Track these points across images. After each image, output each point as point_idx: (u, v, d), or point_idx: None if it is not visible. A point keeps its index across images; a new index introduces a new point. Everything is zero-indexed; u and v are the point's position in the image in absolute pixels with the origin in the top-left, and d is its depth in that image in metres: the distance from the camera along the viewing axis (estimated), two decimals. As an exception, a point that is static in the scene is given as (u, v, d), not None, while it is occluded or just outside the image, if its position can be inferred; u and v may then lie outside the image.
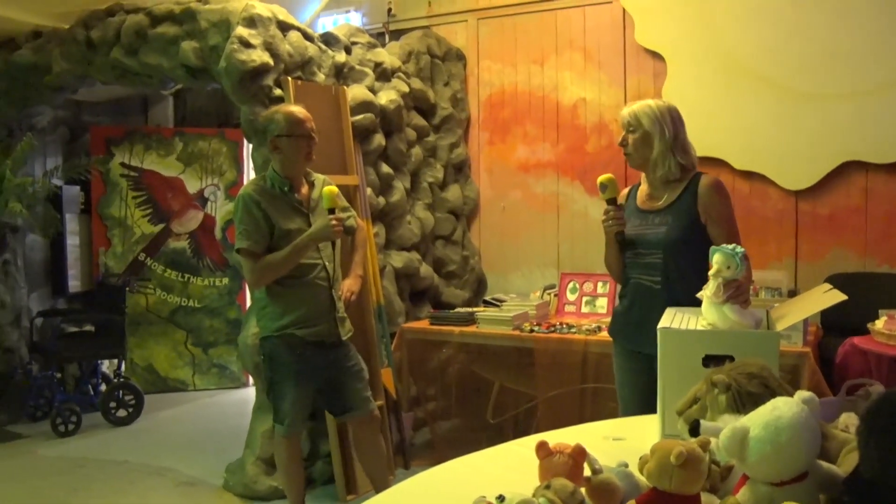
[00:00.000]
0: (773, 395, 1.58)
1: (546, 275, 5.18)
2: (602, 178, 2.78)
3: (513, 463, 1.78)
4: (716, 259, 2.09)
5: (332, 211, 3.15)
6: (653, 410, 2.88)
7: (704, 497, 1.32)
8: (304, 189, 3.33)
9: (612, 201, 2.80)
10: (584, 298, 4.62)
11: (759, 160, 4.51)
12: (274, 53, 3.96)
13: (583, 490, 1.34)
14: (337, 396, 3.42)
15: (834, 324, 4.21)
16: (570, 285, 4.71)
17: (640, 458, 1.36)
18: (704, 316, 2.11)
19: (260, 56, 3.87)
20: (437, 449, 4.51)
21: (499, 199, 5.41)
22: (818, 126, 4.37)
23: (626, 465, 1.51)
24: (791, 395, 1.39)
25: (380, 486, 3.53)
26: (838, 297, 2.15)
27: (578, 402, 3.91)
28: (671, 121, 2.79)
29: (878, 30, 4.23)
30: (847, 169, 4.35)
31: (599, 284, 4.61)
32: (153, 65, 4.35)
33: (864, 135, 4.28)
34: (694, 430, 1.48)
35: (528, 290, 5.11)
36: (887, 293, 4.04)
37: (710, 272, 2.09)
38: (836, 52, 4.31)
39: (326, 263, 3.30)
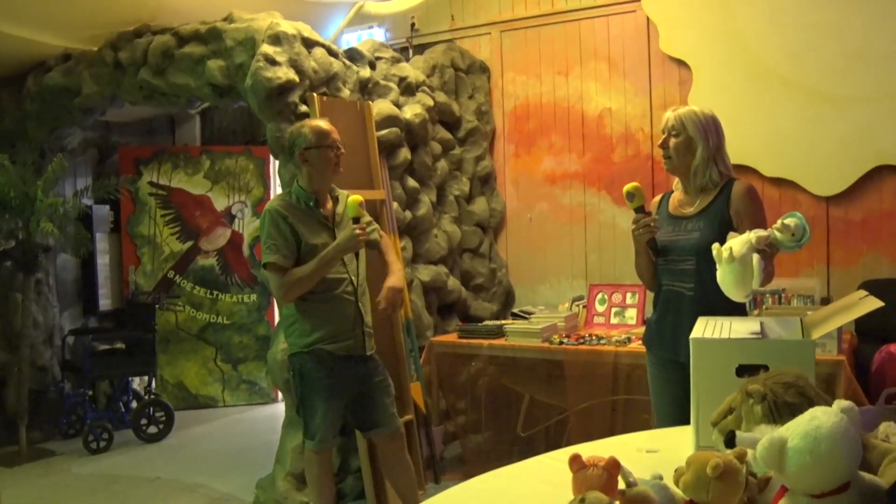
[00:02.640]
0: (811, 404, 1.55)
1: (574, 286, 5.14)
2: (628, 187, 2.76)
3: (545, 476, 1.76)
4: (793, 221, 2.08)
5: (356, 220, 3.15)
6: (688, 421, 2.85)
7: (743, 509, 1.30)
8: (329, 204, 3.34)
9: (640, 209, 2.78)
10: (614, 309, 4.58)
11: (789, 166, 4.46)
12: (299, 70, 3.98)
13: (617, 503, 1.32)
14: (364, 412, 3.41)
15: (868, 331, 4.14)
16: (599, 296, 4.67)
17: (676, 471, 1.35)
18: (729, 243, 2.13)
19: (285, 73, 3.89)
20: (468, 463, 4.49)
21: (525, 211, 5.39)
22: (848, 130, 4.31)
23: (661, 478, 1.48)
24: (829, 404, 1.35)
25: (410, 502, 3.52)
26: (875, 303, 2.11)
27: (609, 414, 3.87)
28: (715, 129, 2.79)
29: (907, 32, 4.17)
30: (879, 173, 4.28)
31: (628, 295, 4.57)
32: (180, 84, 4.40)
33: (895, 138, 4.21)
34: (730, 441, 1.46)
35: (557, 301, 5.08)
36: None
37: (777, 224, 2.10)
38: (865, 54, 4.26)
39: (353, 277, 3.31)
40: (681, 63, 4.78)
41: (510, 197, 5.45)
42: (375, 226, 3.48)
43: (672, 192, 2.96)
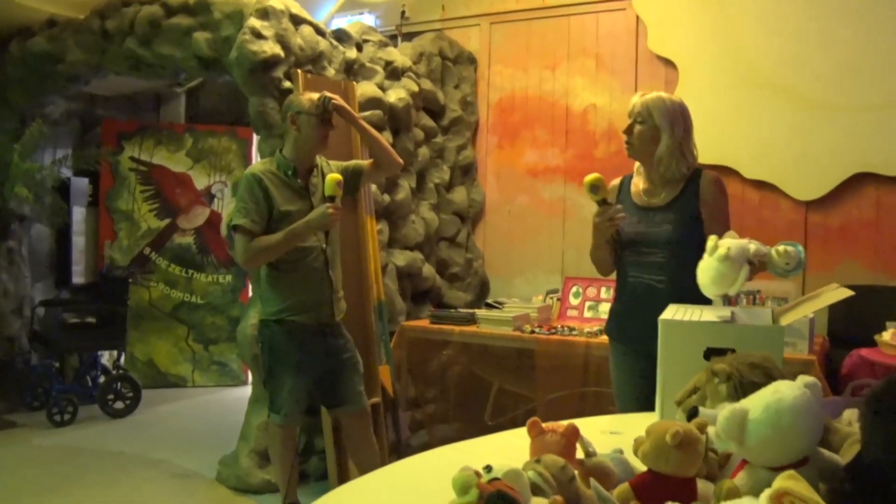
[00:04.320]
0: None
1: (550, 280, 5.13)
2: (590, 178, 2.64)
3: (505, 450, 1.75)
4: (794, 250, 2.12)
5: (332, 199, 3.14)
6: (650, 410, 2.84)
7: (701, 484, 1.28)
8: (312, 175, 3.34)
9: (603, 202, 2.68)
10: (588, 303, 4.58)
11: (770, 169, 4.47)
12: (285, 46, 3.96)
13: (576, 472, 1.30)
14: (332, 388, 3.40)
15: (841, 336, 4.17)
16: (574, 290, 4.67)
17: (635, 440, 1.33)
18: (728, 241, 2.11)
19: (271, 48, 3.87)
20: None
21: (505, 203, 5.38)
22: (832, 137, 4.33)
23: (622, 452, 1.48)
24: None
25: None
26: (845, 293, 2.11)
27: (578, 405, 3.86)
28: (682, 118, 2.73)
29: (893, 43, 4.19)
30: (859, 181, 4.31)
31: (603, 289, 4.57)
32: (166, 55, 4.35)
33: (878, 147, 4.24)
34: (692, 417, 1.45)
35: (532, 295, 5.07)
36: (895, 306, 3.99)
37: (779, 247, 2.11)
38: (854, 63, 4.28)
39: (324, 247, 3.30)
40: (668, 63, 4.78)
41: (490, 188, 5.44)
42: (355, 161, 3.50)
43: (631, 176, 2.90)
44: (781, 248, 2.10)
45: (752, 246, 2.09)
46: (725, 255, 2.06)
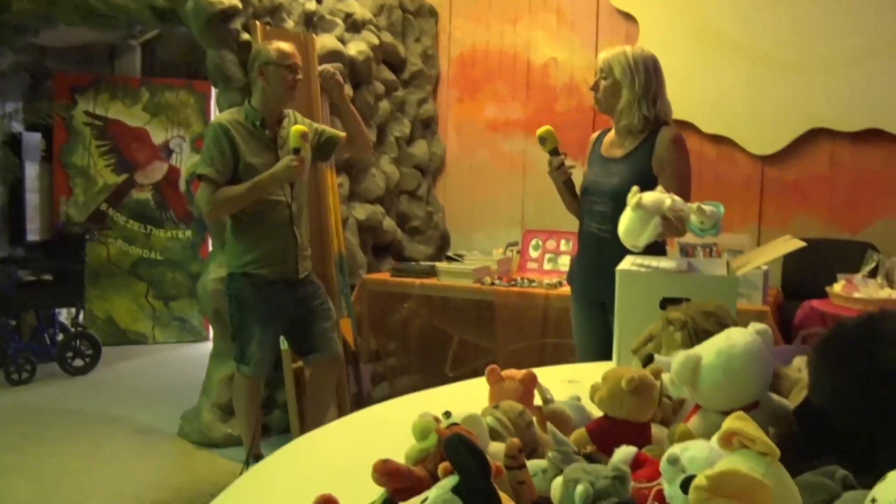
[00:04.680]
0: None
1: (511, 234, 5.15)
2: (540, 131, 2.82)
3: (465, 398, 1.76)
4: (710, 209, 2.07)
5: (297, 151, 3.12)
6: (609, 358, 2.89)
7: (655, 429, 1.31)
8: (279, 126, 3.32)
9: (553, 151, 2.83)
10: (547, 255, 4.61)
11: (728, 125, 4.52)
12: (243, -3, 3.87)
13: (534, 418, 1.32)
14: (302, 336, 3.42)
15: (794, 288, 4.27)
16: (534, 242, 4.70)
17: (592, 387, 1.35)
18: (637, 199, 2.09)
19: (229, -1, 3.78)
20: (397, 403, 4.49)
21: (466, 157, 5.37)
22: (788, 93, 4.38)
23: (579, 399, 1.50)
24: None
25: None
26: (797, 244, 2.16)
27: (538, 356, 3.91)
28: (644, 71, 2.75)
29: (850, 0, 4.24)
30: (814, 136, 4.37)
31: (563, 242, 4.60)
32: (119, 6, 4.22)
33: (832, 103, 4.30)
34: (648, 364, 1.47)
35: (492, 248, 5.09)
36: (846, 259, 4.08)
37: (694, 205, 2.08)
38: (809, 20, 4.32)
39: (290, 201, 3.28)
40: (628, 17, 4.78)
41: (451, 142, 5.42)
42: (326, 129, 3.53)
43: (608, 130, 2.97)
44: (696, 205, 2.08)
45: (669, 200, 2.09)
46: (637, 204, 2.08)
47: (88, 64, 6.73)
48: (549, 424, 1.22)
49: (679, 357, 1.27)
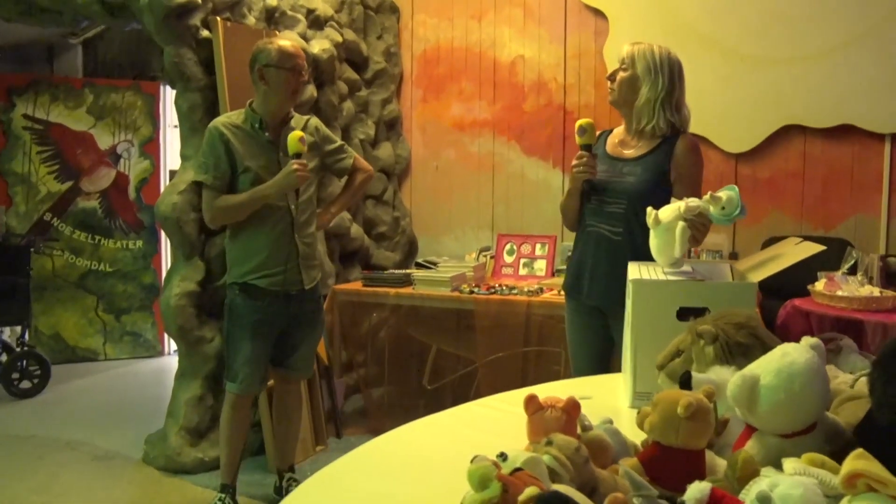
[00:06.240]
0: (763, 345, 1.48)
1: (480, 237, 5.04)
2: (582, 121, 2.65)
3: (477, 423, 1.68)
4: (724, 193, 1.99)
5: (297, 156, 2.99)
6: (606, 370, 2.78)
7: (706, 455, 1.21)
8: (285, 127, 3.16)
9: (586, 147, 2.67)
10: (522, 260, 4.49)
11: (701, 122, 4.41)
12: (202, -10, 3.67)
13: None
14: (283, 350, 3.27)
15: (770, 287, 4.20)
16: (508, 247, 4.58)
17: (640, 412, 1.25)
18: (654, 216, 2.03)
19: (186, -8, 3.57)
20: (371, 417, 4.34)
21: (432, 159, 5.22)
22: (760, 89, 4.34)
23: (611, 422, 1.40)
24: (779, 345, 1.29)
25: (290, 454, 3.45)
26: (815, 248, 2.08)
27: (521, 365, 3.79)
28: (668, 73, 2.67)
29: (821, -6, 4.22)
30: (787, 133, 4.33)
31: (538, 246, 4.49)
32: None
33: (804, 99, 4.27)
34: (685, 382, 1.39)
35: (462, 252, 4.97)
36: (821, 257, 4.02)
37: (706, 196, 2.00)
38: (781, 16, 4.28)
39: (291, 207, 3.14)
40: (597, 13, 4.68)
41: (416, 143, 5.27)
42: (348, 153, 3.40)
43: (611, 131, 2.87)
44: (708, 195, 2.02)
45: (683, 204, 2.02)
46: (655, 222, 2.02)
47: (26, 63, 6.42)
48: (622, 466, 1.09)
49: (736, 379, 1.19)
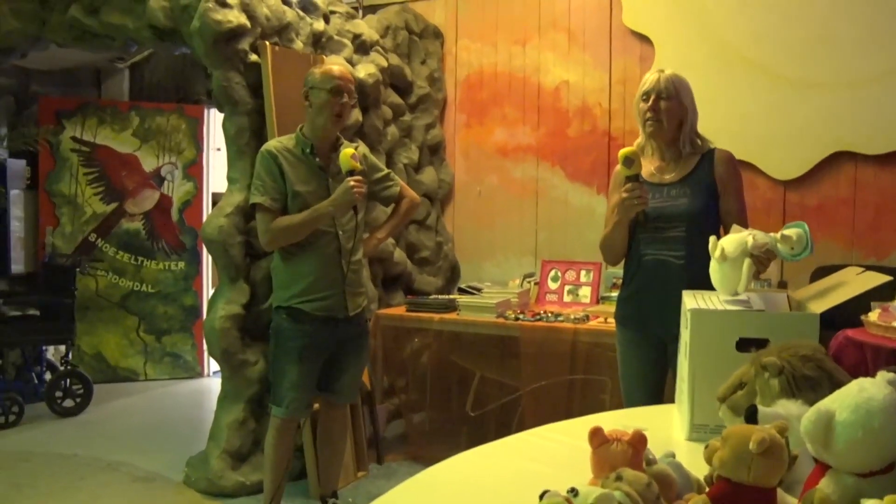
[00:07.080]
0: (830, 378, 1.45)
1: (522, 263, 4.99)
2: (626, 150, 2.60)
3: (531, 453, 1.64)
4: (795, 232, 2.02)
5: (351, 173, 2.97)
6: (659, 401, 2.72)
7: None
8: (334, 153, 3.15)
9: (634, 178, 2.62)
10: (567, 287, 4.45)
11: (748, 149, 4.38)
12: (251, 16, 3.71)
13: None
14: (329, 376, 3.25)
15: (823, 317, 4.11)
16: (552, 273, 4.53)
17: (708, 447, 1.19)
18: (724, 240, 2.01)
19: (236, 17, 3.62)
20: (412, 443, 4.30)
21: (475, 184, 5.20)
22: (809, 115, 4.27)
23: (674, 455, 1.35)
24: (847, 379, 1.27)
25: (333, 480, 3.42)
26: (881, 277, 2.02)
27: (566, 394, 3.74)
28: (691, 96, 2.79)
29: (873, 18, 4.13)
30: (837, 159, 4.25)
31: (583, 273, 4.44)
32: (116, 25, 4.04)
33: (854, 125, 4.19)
34: (751, 416, 1.35)
35: (504, 278, 4.92)
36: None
37: (778, 234, 2.04)
38: (830, 39, 4.21)
39: (340, 233, 3.13)
40: (643, 38, 4.65)
41: (459, 168, 5.26)
42: (395, 181, 3.42)
43: None
44: (779, 234, 2.04)
45: (751, 239, 2.00)
46: (722, 256, 1.99)
47: (75, 87, 6.54)
48: (696, 505, 1.05)
49: (810, 414, 1.14)
